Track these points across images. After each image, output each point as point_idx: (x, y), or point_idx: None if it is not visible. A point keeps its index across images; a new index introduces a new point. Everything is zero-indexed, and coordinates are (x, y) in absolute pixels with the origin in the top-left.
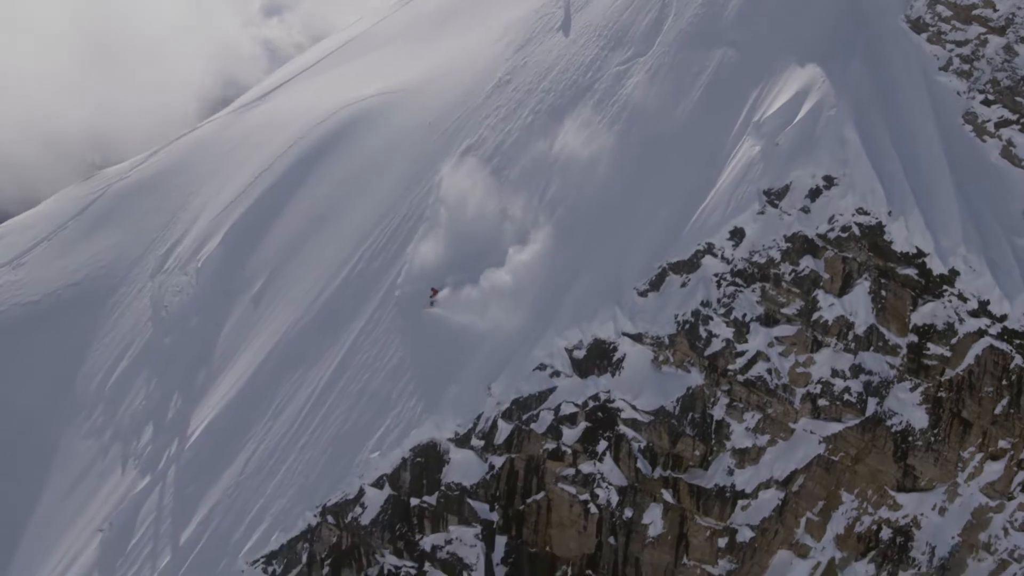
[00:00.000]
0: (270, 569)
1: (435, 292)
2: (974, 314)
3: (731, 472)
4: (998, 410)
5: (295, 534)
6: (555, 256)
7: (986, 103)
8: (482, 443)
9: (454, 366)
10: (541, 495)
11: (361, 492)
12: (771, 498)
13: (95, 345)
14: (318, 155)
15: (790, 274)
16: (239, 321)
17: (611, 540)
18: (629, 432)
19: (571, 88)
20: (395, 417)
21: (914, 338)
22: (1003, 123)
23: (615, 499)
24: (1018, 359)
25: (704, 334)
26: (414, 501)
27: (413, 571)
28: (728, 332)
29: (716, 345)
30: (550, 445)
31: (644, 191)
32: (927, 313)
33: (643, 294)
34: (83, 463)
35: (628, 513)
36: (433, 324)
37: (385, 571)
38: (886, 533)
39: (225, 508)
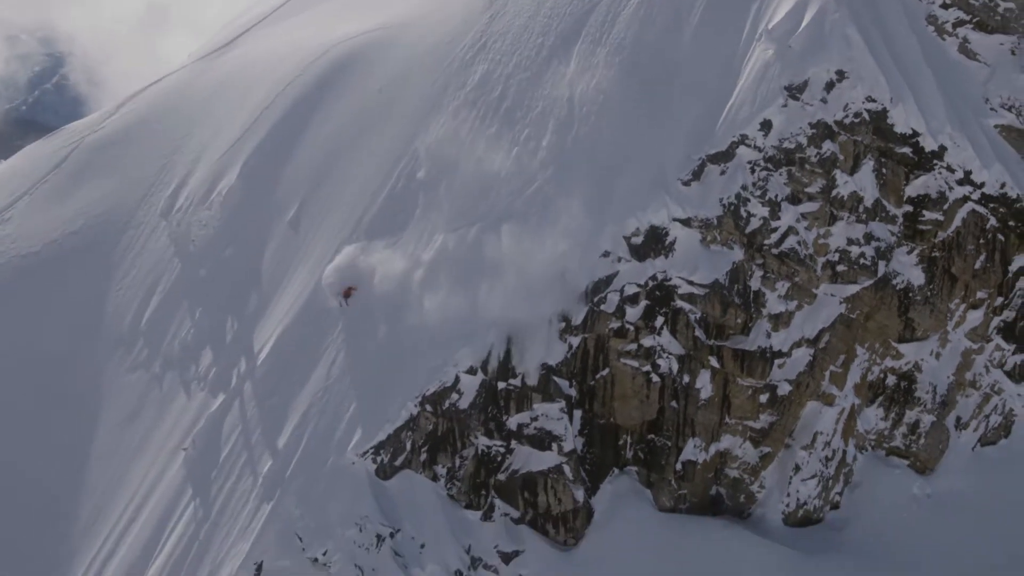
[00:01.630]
0: (378, 459)
1: (349, 292)
2: (960, 183)
3: (769, 335)
4: (977, 265)
5: (400, 424)
6: (595, 161)
7: (944, 7)
8: (562, 325)
9: (528, 262)
10: (606, 371)
11: (457, 380)
12: (803, 355)
13: (115, 286)
14: (322, 90)
15: (815, 156)
16: (281, 245)
17: (673, 404)
18: (686, 305)
19: (569, 17)
20: (479, 309)
21: (909, 208)
22: (959, 23)
23: (675, 367)
24: (992, 220)
25: (744, 214)
26: (501, 384)
27: (502, 448)
28: (764, 211)
29: (754, 223)
30: (615, 324)
31: (669, 103)
32: (920, 185)
33: (687, 184)
34: (135, 394)
35: (685, 379)
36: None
37: (478, 452)
38: (891, 380)
39: (319, 411)
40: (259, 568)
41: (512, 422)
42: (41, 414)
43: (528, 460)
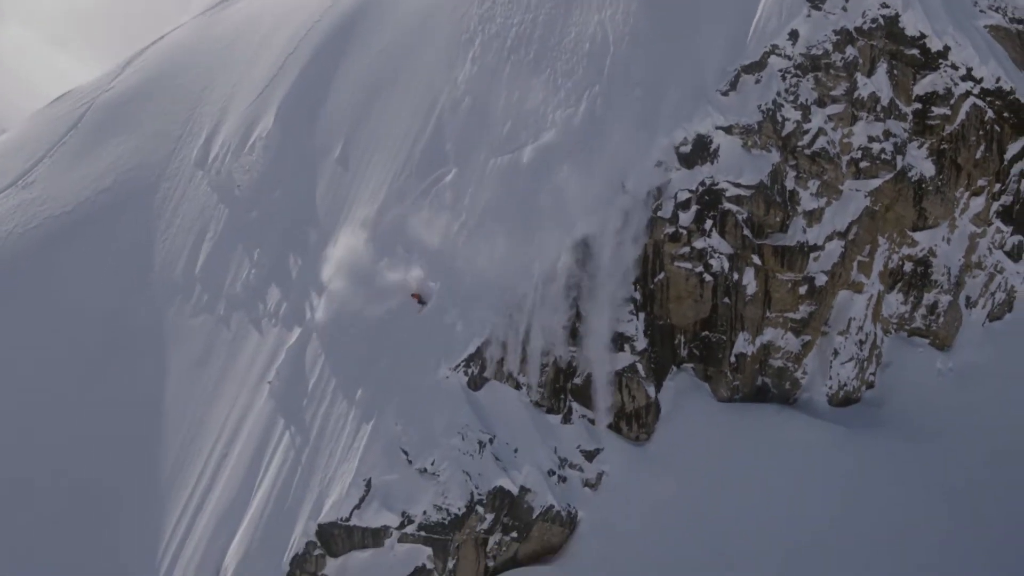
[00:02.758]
0: (468, 371)
1: (418, 297)
2: (963, 79)
3: (804, 231)
4: (978, 155)
5: (486, 336)
6: (636, 80)
7: None
8: (625, 233)
9: (588, 177)
10: (662, 275)
11: (536, 288)
12: (835, 247)
13: (160, 237)
14: (346, 32)
15: (840, 61)
16: (332, 183)
17: (725, 300)
18: (733, 207)
19: None
20: (548, 221)
21: (918, 105)
22: None
23: (726, 265)
24: (990, 112)
25: (780, 119)
26: (573, 294)
27: (577, 353)
28: (796, 115)
29: (789, 127)
30: (670, 229)
31: (697, 22)
32: (927, 83)
33: (725, 94)
34: (202, 337)
35: (735, 276)
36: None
37: (556, 359)
38: (908, 266)
39: (403, 333)
40: (368, 484)
41: (585, 327)
42: (106, 366)
43: None
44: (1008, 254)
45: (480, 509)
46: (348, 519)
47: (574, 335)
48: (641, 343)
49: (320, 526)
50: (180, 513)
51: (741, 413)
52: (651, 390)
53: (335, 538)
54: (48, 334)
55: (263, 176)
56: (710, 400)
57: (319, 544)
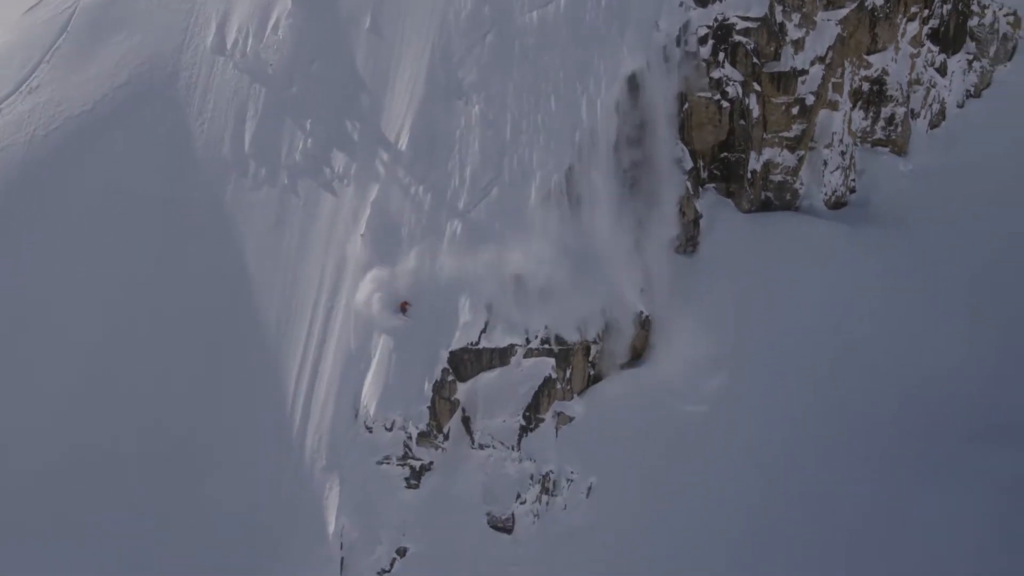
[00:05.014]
0: (556, 201)
1: (405, 306)
2: None
3: (793, 57)
4: None
5: (564, 168)
6: None
7: None
8: (665, 66)
9: (623, 19)
10: (686, 105)
11: (600, 121)
12: (818, 71)
13: (194, 123)
14: None
15: None
16: (371, 52)
17: (741, 123)
18: (743, 39)
19: None
20: (596, 60)
21: None
22: None
23: (740, 91)
24: None
25: None
26: (631, 124)
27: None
28: None
29: None
30: (692, 63)
31: None
32: None
33: None
34: (271, 206)
35: (746, 101)
36: None
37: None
38: (865, 86)
39: (481, 172)
40: (490, 309)
41: (643, 153)
42: (177, 247)
43: None
44: (938, 70)
45: None
46: (477, 343)
47: (636, 161)
48: (688, 162)
49: (451, 353)
50: (299, 367)
51: (763, 221)
52: (698, 205)
53: (464, 363)
54: (106, 226)
55: (294, 53)
56: (735, 212)
57: (451, 371)
